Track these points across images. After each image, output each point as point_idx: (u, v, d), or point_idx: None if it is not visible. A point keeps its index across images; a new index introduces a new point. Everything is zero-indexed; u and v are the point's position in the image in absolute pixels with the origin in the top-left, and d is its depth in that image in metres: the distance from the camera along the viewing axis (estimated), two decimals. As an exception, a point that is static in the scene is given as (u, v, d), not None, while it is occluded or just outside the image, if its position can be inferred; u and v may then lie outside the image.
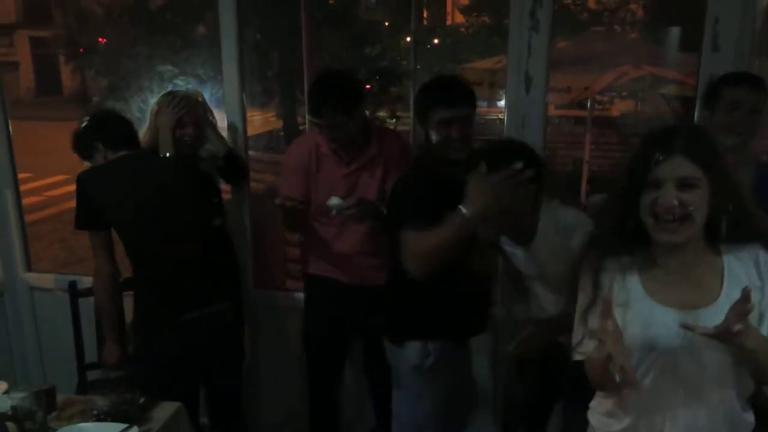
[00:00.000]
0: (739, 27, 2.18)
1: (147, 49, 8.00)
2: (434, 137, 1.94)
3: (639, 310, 1.30)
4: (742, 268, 1.29)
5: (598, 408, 1.45)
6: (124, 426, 1.75)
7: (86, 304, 2.73)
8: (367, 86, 10.13)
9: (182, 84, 7.16)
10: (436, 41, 15.21)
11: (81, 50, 9.39)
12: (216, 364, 2.34)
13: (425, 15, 16.54)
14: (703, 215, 1.25)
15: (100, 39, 9.28)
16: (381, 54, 11.37)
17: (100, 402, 1.85)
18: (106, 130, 2.32)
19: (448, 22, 17.38)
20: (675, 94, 7.60)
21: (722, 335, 1.17)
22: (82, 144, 2.39)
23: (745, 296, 1.14)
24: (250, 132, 2.81)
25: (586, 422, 1.48)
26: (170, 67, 7.76)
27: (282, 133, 9.30)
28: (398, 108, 12.07)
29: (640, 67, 6.21)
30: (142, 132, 2.54)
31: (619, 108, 12.24)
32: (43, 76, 19.52)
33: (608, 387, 1.29)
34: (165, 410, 1.91)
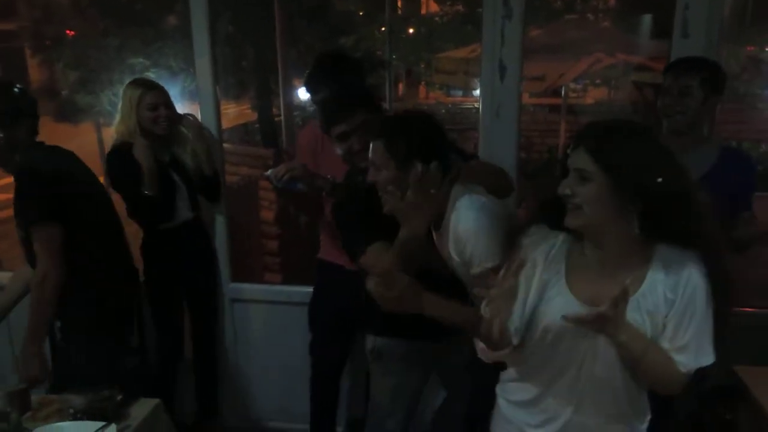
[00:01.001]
0: (708, 13, 2.23)
1: (117, 41, 7.83)
2: (339, 151, 1.97)
3: (553, 296, 1.36)
4: (664, 279, 1.29)
5: (505, 377, 1.53)
6: (101, 424, 1.73)
7: None
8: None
9: (154, 77, 7.04)
10: (411, 31, 15.16)
11: (48, 43, 9.14)
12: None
13: (399, 4, 16.46)
14: (599, 210, 1.27)
15: (67, 31, 9.06)
16: (356, 44, 11.30)
17: (77, 400, 1.83)
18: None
19: (423, 12, 17.32)
20: (647, 81, 7.70)
21: (591, 322, 1.26)
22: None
23: (623, 292, 1.22)
24: (225, 124, 2.79)
25: (494, 394, 1.56)
26: (141, 60, 7.61)
27: (257, 125, 9.21)
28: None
29: (613, 55, 6.28)
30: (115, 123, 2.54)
31: (593, 95, 12.37)
32: (9, 70, 19.00)
33: (487, 342, 1.38)
34: (143, 407, 1.89)
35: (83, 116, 8.13)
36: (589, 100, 12.24)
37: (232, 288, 2.83)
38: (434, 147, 1.65)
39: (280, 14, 7.47)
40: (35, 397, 1.90)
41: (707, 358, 1.32)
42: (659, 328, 1.30)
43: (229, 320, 2.86)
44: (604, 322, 1.25)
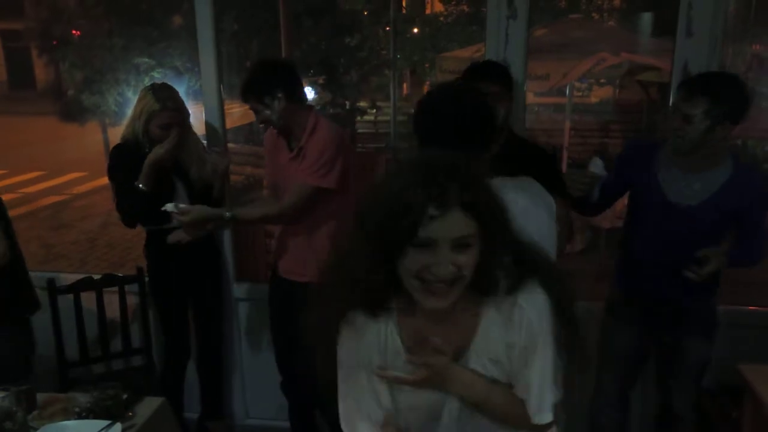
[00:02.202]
0: (712, 12, 2.22)
1: (122, 41, 7.85)
2: None
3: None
4: (498, 321, 1.15)
5: None
6: (106, 423, 1.74)
7: (65, 302, 2.70)
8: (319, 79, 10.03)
9: (159, 76, 7.05)
10: (415, 30, 15.17)
11: (55, 42, 9.18)
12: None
13: (404, 4, 16.48)
14: (472, 270, 1.07)
15: (73, 31, 9.10)
16: (360, 44, 11.32)
17: (82, 399, 1.84)
18: None
19: (427, 11, 17.33)
20: (652, 81, 7.67)
21: (416, 382, 1.14)
22: None
23: (434, 348, 1.11)
24: (229, 124, 2.79)
25: None
26: (147, 60, 7.63)
27: (261, 125, 9.23)
28: (379, 98, 12.05)
29: (618, 54, 6.24)
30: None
31: (598, 95, 12.35)
32: (16, 70, 19.15)
33: None
34: (148, 406, 1.90)
35: (89, 116, 8.16)
36: (594, 100, 12.22)
37: (236, 288, 2.84)
38: None
39: (284, 13, 7.48)
40: (41, 396, 1.91)
41: (550, 396, 1.18)
42: (509, 371, 1.19)
43: (233, 319, 2.87)
44: (432, 374, 1.13)
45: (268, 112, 2.26)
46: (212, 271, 2.74)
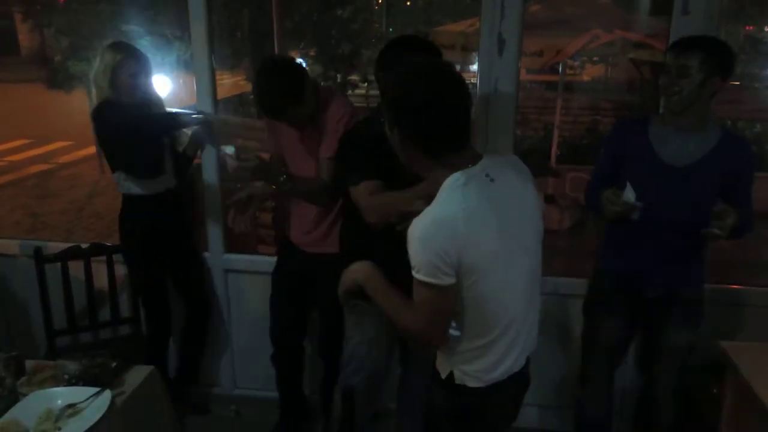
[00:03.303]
0: (709, -10, 2.20)
1: (110, 7, 7.67)
2: None
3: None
4: None
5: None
6: (96, 390, 1.75)
7: (52, 270, 2.68)
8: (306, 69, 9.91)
9: (148, 44, 6.91)
10: (408, 3, 14.98)
11: (39, 8, 8.96)
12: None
13: (397, -24, 16.22)
14: None
15: (59, -4, 8.90)
16: (352, 16, 11.15)
17: (71, 366, 1.85)
18: None
19: (421, -16, 17.10)
20: (645, 59, 7.65)
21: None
22: None
23: None
24: (220, 95, 2.75)
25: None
26: (135, 27, 7.48)
27: (252, 96, 9.13)
28: (371, 72, 11.93)
29: (612, 31, 6.21)
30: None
31: (590, 73, 12.31)
32: (-1, 36, 18.72)
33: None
34: (138, 374, 1.91)
35: (75, 83, 8.01)
36: (586, 78, 12.18)
37: (225, 259, 2.84)
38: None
39: (276, -17, 7.34)
40: (29, 363, 1.91)
41: None
42: None
43: (222, 290, 2.88)
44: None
45: (305, 110, 2.18)
46: (185, 242, 2.76)
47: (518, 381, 1.57)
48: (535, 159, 7.13)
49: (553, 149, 7.08)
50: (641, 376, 2.40)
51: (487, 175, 1.38)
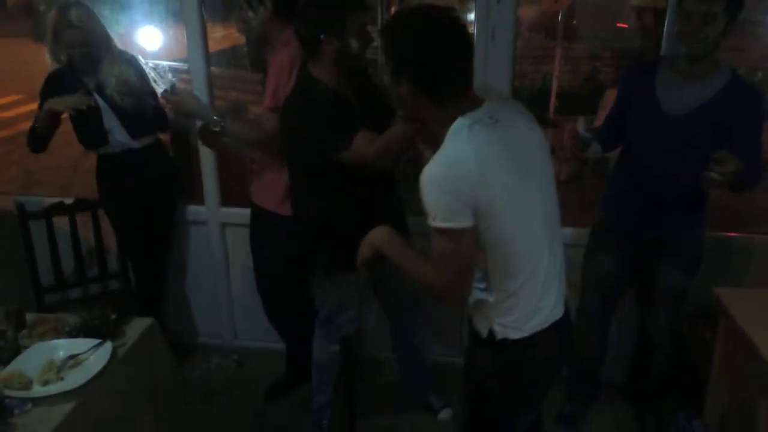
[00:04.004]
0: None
1: (96, -45, 7.45)
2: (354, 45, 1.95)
3: None
4: None
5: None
6: (97, 341, 1.77)
7: (38, 227, 2.67)
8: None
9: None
10: (404, -50, 14.52)
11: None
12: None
13: None
14: None
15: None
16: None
17: (72, 319, 1.87)
18: None
19: (417, -71, 16.54)
20: (647, 6, 7.47)
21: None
22: None
23: None
24: (212, 47, 2.70)
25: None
26: (122, -25, 7.27)
27: (245, 49, 8.95)
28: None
29: (613, -23, 6.05)
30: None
31: (590, 21, 12.04)
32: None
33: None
34: (138, 326, 1.93)
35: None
36: (586, 26, 11.92)
37: (222, 212, 2.84)
38: None
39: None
40: (30, 317, 1.93)
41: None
42: None
43: (220, 244, 2.89)
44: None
45: (250, 14, 2.17)
46: (163, 198, 2.75)
47: (560, 329, 1.54)
48: (533, 110, 7.05)
49: (552, 100, 7.00)
50: (637, 322, 2.44)
51: (490, 117, 1.38)
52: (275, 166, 2.28)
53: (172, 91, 2.27)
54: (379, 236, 1.53)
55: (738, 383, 2.09)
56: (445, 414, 2.63)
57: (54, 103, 2.41)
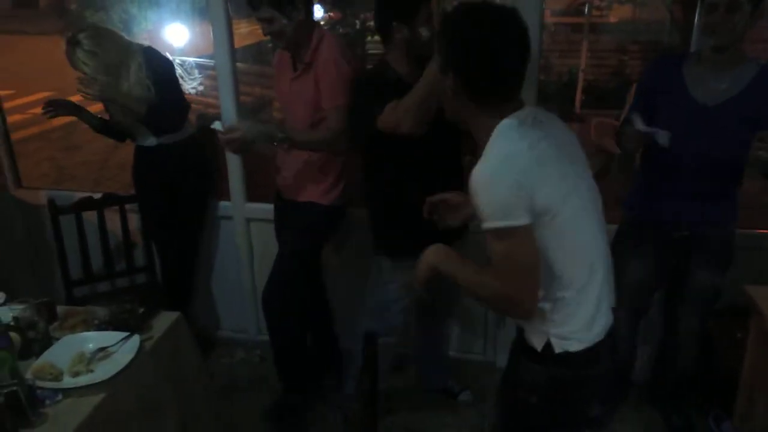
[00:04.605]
0: None
1: (125, -46, 7.55)
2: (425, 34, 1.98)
3: None
4: None
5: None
6: (125, 334, 1.80)
7: (68, 221, 2.72)
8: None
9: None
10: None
11: (54, -45, 8.84)
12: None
13: None
14: None
15: (74, -57, 8.75)
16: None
17: (101, 312, 1.90)
18: None
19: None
20: (676, -2, 7.33)
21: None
22: None
23: None
24: (237, 43, 2.71)
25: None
26: (150, -26, 7.37)
27: (270, 45, 8.99)
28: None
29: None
30: None
31: (618, 14, 11.85)
32: (13, -16, 18.54)
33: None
34: (165, 319, 1.96)
35: (93, 34, 7.98)
36: (613, 19, 11.74)
37: (247, 208, 2.86)
38: None
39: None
40: (60, 309, 1.97)
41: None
42: None
43: (245, 239, 2.91)
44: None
45: (285, 21, 2.13)
46: (195, 191, 2.78)
47: (613, 336, 1.44)
48: (559, 104, 6.97)
49: (578, 94, 6.91)
50: (664, 320, 2.40)
51: (535, 118, 1.35)
52: (321, 161, 2.31)
53: (222, 127, 2.14)
54: (434, 254, 1.45)
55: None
56: (465, 396, 2.67)
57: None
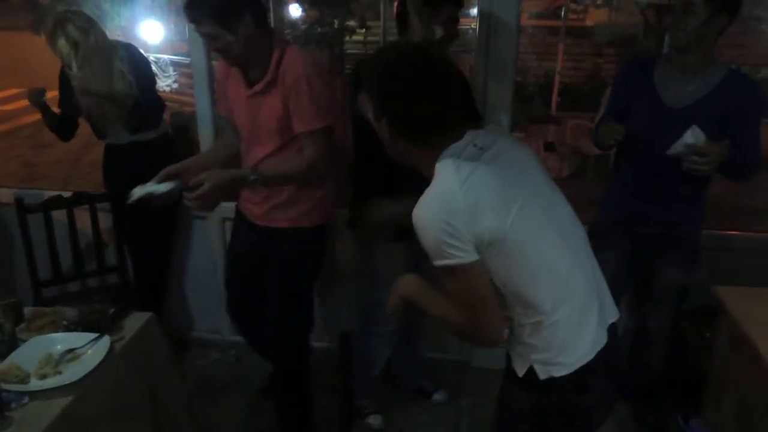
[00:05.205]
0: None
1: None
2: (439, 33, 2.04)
3: None
4: None
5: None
6: (95, 336, 1.77)
7: (37, 220, 2.67)
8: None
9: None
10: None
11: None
12: None
13: None
14: None
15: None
16: (349, -43, 10.77)
17: (70, 313, 1.86)
18: None
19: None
20: (650, 2, 7.46)
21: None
22: None
23: None
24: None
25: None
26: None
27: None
28: (369, 16, 11.62)
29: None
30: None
31: (594, 17, 12.02)
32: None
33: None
34: (136, 320, 1.92)
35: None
36: (589, 22, 11.90)
37: (222, 207, 2.82)
38: None
39: None
40: (27, 310, 1.92)
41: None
42: None
43: (219, 239, 2.88)
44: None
45: (231, 38, 1.88)
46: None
47: (608, 359, 1.36)
48: (535, 106, 7.04)
49: (554, 96, 6.99)
50: (633, 319, 2.43)
51: (474, 145, 1.31)
52: (296, 185, 2.12)
53: (183, 189, 1.92)
54: (407, 286, 1.46)
55: (738, 383, 2.08)
56: (439, 396, 2.69)
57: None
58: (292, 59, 1.97)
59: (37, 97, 2.58)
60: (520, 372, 1.35)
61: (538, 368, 1.33)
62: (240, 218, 2.32)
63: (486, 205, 1.24)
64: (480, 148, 1.31)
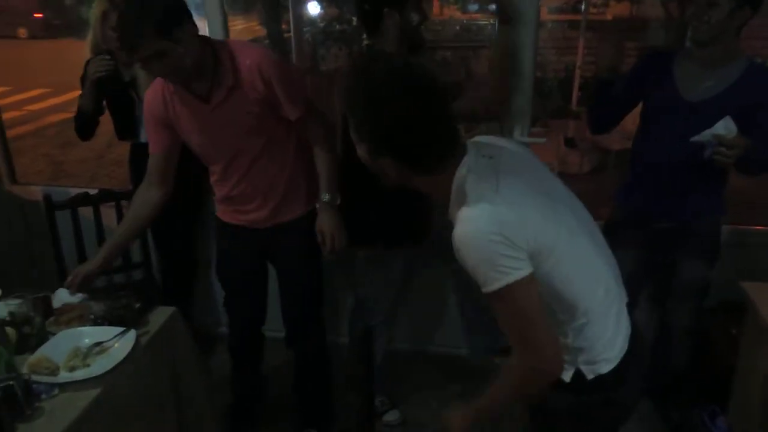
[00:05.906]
0: None
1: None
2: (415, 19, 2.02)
3: None
4: None
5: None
6: (121, 329, 1.80)
7: (64, 217, 2.71)
8: None
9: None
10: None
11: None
12: None
13: None
14: None
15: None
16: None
17: (97, 307, 1.90)
18: None
19: None
20: (672, -5, 7.33)
21: None
22: None
23: None
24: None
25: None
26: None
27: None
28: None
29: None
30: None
31: (614, 11, 11.87)
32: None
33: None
34: (161, 314, 1.96)
35: (89, 29, 7.98)
36: (610, 16, 11.75)
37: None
38: None
39: None
40: (57, 304, 1.97)
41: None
42: None
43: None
44: None
45: (181, 49, 1.69)
46: (193, 188, 2.69)
47: (636, 338, 1.38)
48: (555, 101, 6.98)
49: (575, 91, 6.92)
50: (655, 316, 2.41)
51: (483, 156, 1.27)
52: (288, 176, 2.08)
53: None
54: (459, 422, 1.39)
55: (765, 379, 2.05)
56: (390, 416, 2.59)
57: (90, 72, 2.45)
58: (242, 53, 1.83)
59: (104, 67, 2.42)
60: (567, 378, 1.32)
61: (585, 369, 1.31)
62: (233, 231, 2.17)
63: (529, 212, 1.20)
64: (490, 157, 1.28)
